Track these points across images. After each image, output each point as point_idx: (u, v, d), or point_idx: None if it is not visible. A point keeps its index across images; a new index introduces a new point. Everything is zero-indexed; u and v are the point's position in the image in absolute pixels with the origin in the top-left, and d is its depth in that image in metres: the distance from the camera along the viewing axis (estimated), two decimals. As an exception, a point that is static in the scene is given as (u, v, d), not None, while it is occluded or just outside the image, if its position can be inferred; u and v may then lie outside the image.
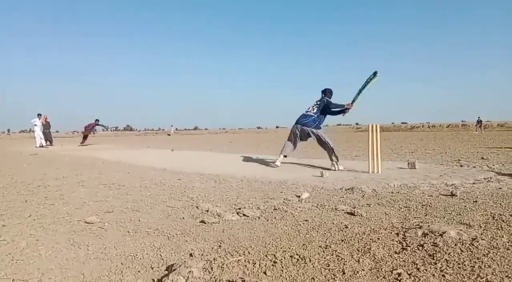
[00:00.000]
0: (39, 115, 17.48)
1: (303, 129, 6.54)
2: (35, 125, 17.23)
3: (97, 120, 18.89)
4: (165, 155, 10.74)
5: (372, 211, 3.08)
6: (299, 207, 3.30)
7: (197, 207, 3.41)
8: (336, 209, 3.21)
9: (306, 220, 2.84)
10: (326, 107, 6.53)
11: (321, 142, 6.47)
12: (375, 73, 6.19)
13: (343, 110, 6.48)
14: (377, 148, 5.63)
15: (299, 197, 3.75)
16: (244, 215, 3.04)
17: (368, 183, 4.51)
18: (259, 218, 2.98)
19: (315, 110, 6.54)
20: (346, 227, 2.61)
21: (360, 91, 6.30)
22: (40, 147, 16.65)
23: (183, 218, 3.05)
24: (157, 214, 3.21)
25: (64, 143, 22.56)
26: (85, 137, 19.19)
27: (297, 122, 6.63)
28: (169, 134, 43.08)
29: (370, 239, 2.32)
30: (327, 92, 6.71)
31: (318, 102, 6.59)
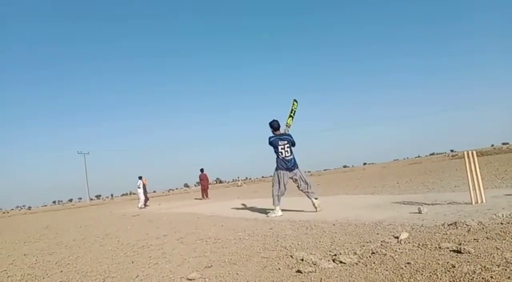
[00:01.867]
0: (140, 178, 19.15)
1: (292, 173, 6.81)
2: (139, 188, 18.87)
3: (201, 169, 20.20)
4: (255, 204, 10.92)
5: (481, 247, 2.82)
6: (399, 249, 3.13)
7: (291, 256, 3.40)
8: (440, 247, 2.99)
9: (408, 263, 2.68)
10: (293, 144, 6.94)
11: (304, 181, 6.75)
12: (295, 101, 7.19)
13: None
14: (477, 176, 5.19)
15: (397, 237, 3.56)
16: (341, 262, 2.96)
17: (472, 215, 4.16)
18: (356, 264, 2.88)
19: (290, 152, 6.84)
20: (453, 267, 2.42)
21: (292, 117, 7.04)
22: (141, 207, 17.99)
23: (279, 268, 3.06)
24: (253, 266, 3.26)
25: (161, 201, 24.16)
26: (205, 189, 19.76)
27: (286, 169, 6.79)
28: (238, 185, 42.84)
29: (482, 278, 2.12)
30: (276, 126, 6.93)
31: (287, 144, 6.81)
